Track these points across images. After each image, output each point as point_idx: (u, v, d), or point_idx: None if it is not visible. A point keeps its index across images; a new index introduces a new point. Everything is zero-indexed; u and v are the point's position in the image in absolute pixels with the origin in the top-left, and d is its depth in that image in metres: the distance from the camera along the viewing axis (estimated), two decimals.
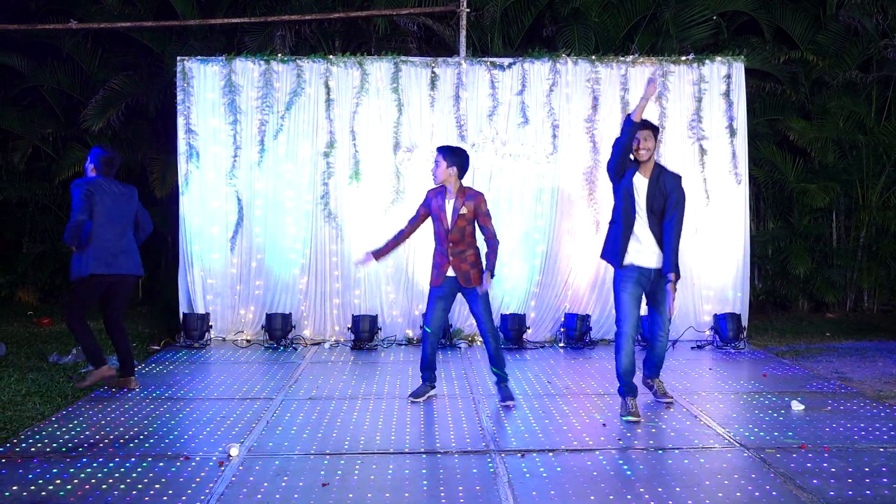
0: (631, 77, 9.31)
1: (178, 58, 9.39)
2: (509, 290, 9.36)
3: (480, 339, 9.09)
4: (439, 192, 6.44)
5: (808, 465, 4.86)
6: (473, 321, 8.98)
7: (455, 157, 6.39)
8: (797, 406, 6.25)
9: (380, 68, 9.31)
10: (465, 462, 4.98)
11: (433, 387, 6.68)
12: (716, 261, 9.37)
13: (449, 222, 6.35)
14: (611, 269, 9.30)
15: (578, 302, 9.39)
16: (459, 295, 6.60)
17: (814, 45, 11.27)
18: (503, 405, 6.40)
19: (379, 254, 6.68)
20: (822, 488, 4.45)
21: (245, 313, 9.40)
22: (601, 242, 9.29)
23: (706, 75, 9.34)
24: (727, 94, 9.35)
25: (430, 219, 6.56)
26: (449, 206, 6.37)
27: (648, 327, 6.41)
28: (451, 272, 6.39)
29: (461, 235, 6.35)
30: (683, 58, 9.41)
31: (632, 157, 6.00)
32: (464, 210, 6.31)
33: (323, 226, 9.34)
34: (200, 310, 9.29)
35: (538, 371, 7.77)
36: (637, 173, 6.07)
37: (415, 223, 6.60)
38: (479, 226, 6.41)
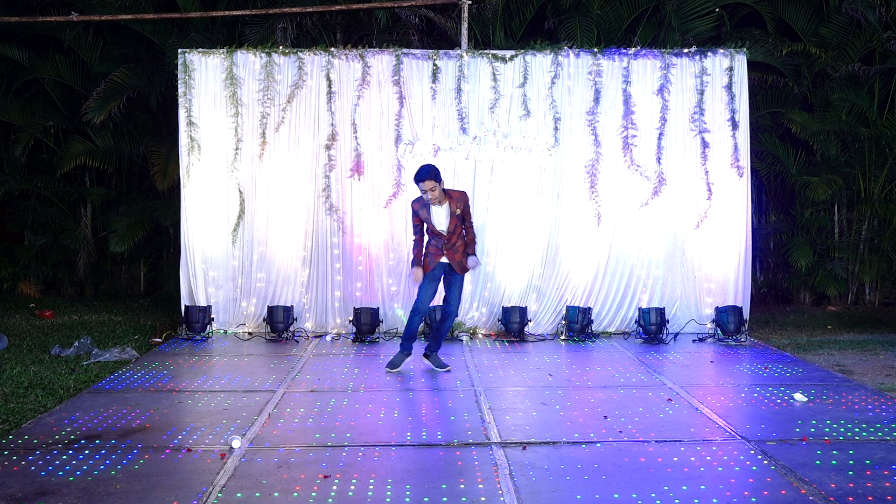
0: (633, 69, 9.28)
1: (180, 50, 9.38)
2: (511, 282, 9.36)
3: (482, 331, 9.19)
4: (423, 203, 7.07)
5: (810, 457, 4.86)
6: (474, 314, 9.16)
7: (440, 174, 6.98)
8: (799, 398, 6.26)
9: (381, 61, 9.29)
10: (467, 454, 4.98)
11: (410, 354, 7.40)
12: (717, 254, 9.36)
13: (446, 226, 7.04)
14: (613, 261, 9.44)
15: (580, 294, 9.38)
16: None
17: (816, 37, 11.24)
18: (442, 370, 7.31)
19: (422, 263, 7.25)
20: (824, 481, 4.45)
21: (247, 306, 9.41)
22: (603, 235, 9.40)
23: (708, 68, 9.32)
24: (729, 86, 9.32)
25: None
26: (440, 211, 7.05)
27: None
28: (444, 259, 7.16)
29: (456, 232, 7.13)
30: (686, 50, 9.38)
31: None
32: (458, 211, 7.01)
33: (324, 218, 9.34)
34: (202, 302, 9.30)
35: (539, 363, 7.77)
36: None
37: (422, 230, 7.25)
38: (464, 220, 7.15)
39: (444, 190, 7.05)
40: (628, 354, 8.22)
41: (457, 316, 7.41)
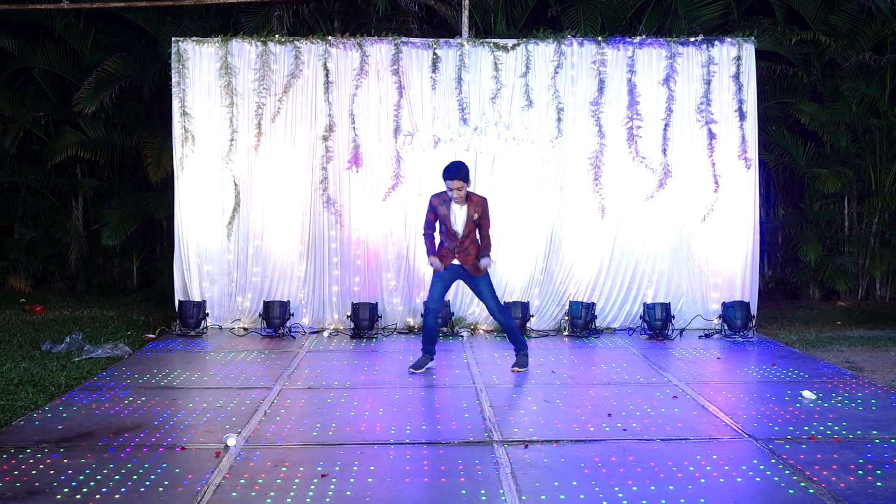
0: (638, 59, 9.26)
1: (173, 39, 9.35)
2: (512, 277, 9.35)
3: (482, 327, 9.20)
4: (444, 199, 7.01)
5: (818, 456, 4.87)
6: (475, 310, 9.21)
7: (469, 174, 6.97)
8: (808, 396, 6.26)
9: (380, 50, 9.27)
10: (468, 453, 4.98)
11: (432, 358, 7.31)
12: (724, 248, 9.35)
13: (461, 227, 6.98)
14: (617, 255, 9.43)
15: (583, 289, 9.38)
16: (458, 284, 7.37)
17: (826, 25, 11.20)
18: (512, 370, 7.26)
19: (441, 256, 7.14)
20: (833, 480, 4.45)
21: (242, 301, 9.41)
22: (607, 229, 9.39)
23: (715, 57, 9.29)
24: (737, 76, 9.30)
25: None
26: (459, 212, 7.00)
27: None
28: (455, 262, 7.06)
29: (469, 235, 7.06)
30: (692, 39, 9.36)
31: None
32: (475, 216, 6.96)
33: (322, 211, 9.32)
34: (196, 297, 9.30)
35: (542, 360, 7.76)
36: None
37: (434, 227, 7.19)
38: (480, 225, 7.07)
39: (467, 192, 7.01)
40: (633, 351, 8.22)
41: (505, 310, 7.31)
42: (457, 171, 6.85)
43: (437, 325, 7.31)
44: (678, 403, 6.14)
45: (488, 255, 7.14)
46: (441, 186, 7.12)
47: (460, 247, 7.04)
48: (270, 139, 9.31)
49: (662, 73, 9.28)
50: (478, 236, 7.14)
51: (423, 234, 7.22)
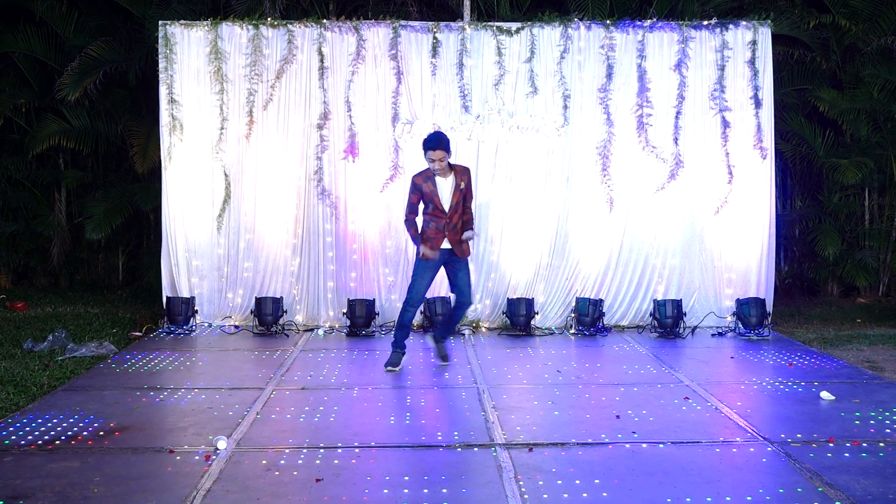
0: (648, 43, 9.25)
1: (160, 22, 9.34)
2: (516, 272, 9.36)
3: (485, 325, 9.20)
4: (427, 176, 7.02)
5: (837, 459, 4.87)
6: (477, 307, 9.18)
7: (450, 145, 6.98)
8: (826, 397, 6.26)
9: (377, 34, 9.26)
10: (469, 456, 4.98)
11: (405, 352, 7.36)
12: (739, 242, 9.35)
13: (449, 201, 7.00)
14: (626, 250, 9.42)
15: (590, 285, 9.38)
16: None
17: (847, 8, 11.17)
18: (443, 364, 7.44)
19: (429, 239, 7.13)
20: (851, 484, 4.45)
21: (233, 297, 9.42)
22: (615, 222, 9.38)
23: (730, 41, 9.28)
24: (752, 61, 9.29)
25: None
26: (445, 184, 7.02)
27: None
28: (445, 244, 7.05)
29: (457, 210, 7.09)
30: (705, 22, 9.34)
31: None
32: (462, 185, 6.99)
33: (316, 203, 9.33)
34: (185, 293, 9.31)
35: (547, 359, 7.77)
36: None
37: (417, 211, 7.15)
38: (464, 198, 7.12)
39: (449, 163, 7.03)
40: (642, 350, 8.23)
41: (472, 304, 7.39)
42: (438, 142, 6.88)
43: (412, 320, 7.36)
44: (690, 405, 6.15)
45: (471, 228, 7.21)
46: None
47: (449, 223, 7.03)
48: (262, 128, 9.30)
49: (674, 58, 9.27)
50: (463, 210, 7.18)
51: (405, 221, 7.23)
